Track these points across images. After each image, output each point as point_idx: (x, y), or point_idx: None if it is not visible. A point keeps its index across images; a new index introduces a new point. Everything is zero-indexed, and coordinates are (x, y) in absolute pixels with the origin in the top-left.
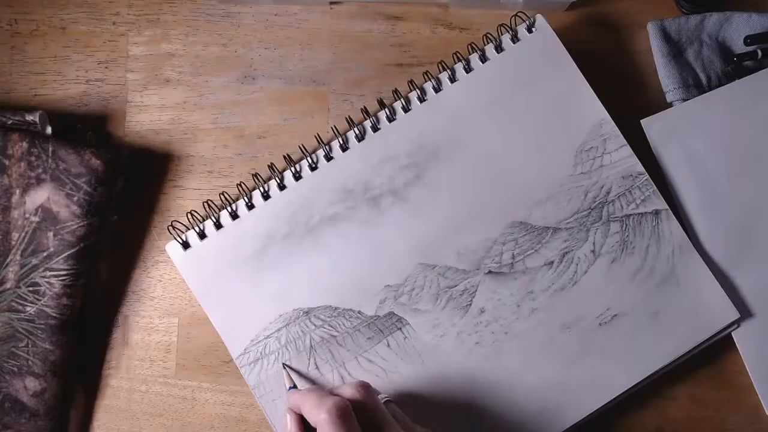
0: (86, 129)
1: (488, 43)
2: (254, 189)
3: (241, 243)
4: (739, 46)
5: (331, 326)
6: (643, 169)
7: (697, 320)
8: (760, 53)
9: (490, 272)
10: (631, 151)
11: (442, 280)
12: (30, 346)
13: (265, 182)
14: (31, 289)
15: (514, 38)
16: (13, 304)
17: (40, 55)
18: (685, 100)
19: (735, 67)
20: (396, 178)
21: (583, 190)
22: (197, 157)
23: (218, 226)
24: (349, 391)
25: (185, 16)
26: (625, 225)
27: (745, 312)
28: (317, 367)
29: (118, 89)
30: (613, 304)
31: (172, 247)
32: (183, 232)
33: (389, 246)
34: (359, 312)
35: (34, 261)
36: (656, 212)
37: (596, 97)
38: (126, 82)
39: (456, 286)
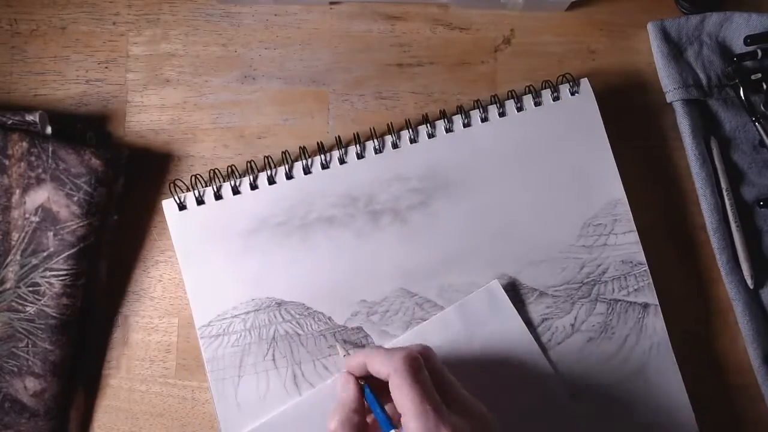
0: (86, 129)
1: (528, 93)
2: (262, 170)
3: (236, 219)
4: (739, 46)
5: (299, 324)
6: (644, 260)
7: (657, 420)
8: (760, 53)
9: None
10: (638, 239)
11: (418, 311)
12: (30, 346)
13: (274, 167)
14: (31, 289)
15: (555, 97)
16: (13, 304)
17: (40, 55)
18: (685, 99)
19: (735, 67)
20: (402, 198)
21: (580, 262)
22: (197, 157)
23: (218, 197)
24: (415, 348)
25: (185, 16)
26: (611, 308)
27: None
28: (273, 359)
29: (118, 89)
30: (577, 383)
31: (168, 205)
32: (183, 192)
33: (376, 262)
34: (329, 318)
35: (34, 261)
36: (645, 305)
37: (619, 175)
38: (126, 82)
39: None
